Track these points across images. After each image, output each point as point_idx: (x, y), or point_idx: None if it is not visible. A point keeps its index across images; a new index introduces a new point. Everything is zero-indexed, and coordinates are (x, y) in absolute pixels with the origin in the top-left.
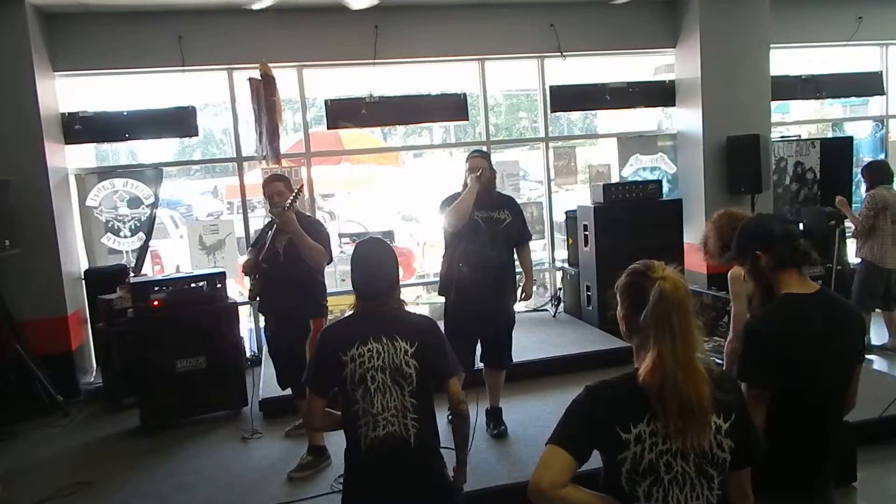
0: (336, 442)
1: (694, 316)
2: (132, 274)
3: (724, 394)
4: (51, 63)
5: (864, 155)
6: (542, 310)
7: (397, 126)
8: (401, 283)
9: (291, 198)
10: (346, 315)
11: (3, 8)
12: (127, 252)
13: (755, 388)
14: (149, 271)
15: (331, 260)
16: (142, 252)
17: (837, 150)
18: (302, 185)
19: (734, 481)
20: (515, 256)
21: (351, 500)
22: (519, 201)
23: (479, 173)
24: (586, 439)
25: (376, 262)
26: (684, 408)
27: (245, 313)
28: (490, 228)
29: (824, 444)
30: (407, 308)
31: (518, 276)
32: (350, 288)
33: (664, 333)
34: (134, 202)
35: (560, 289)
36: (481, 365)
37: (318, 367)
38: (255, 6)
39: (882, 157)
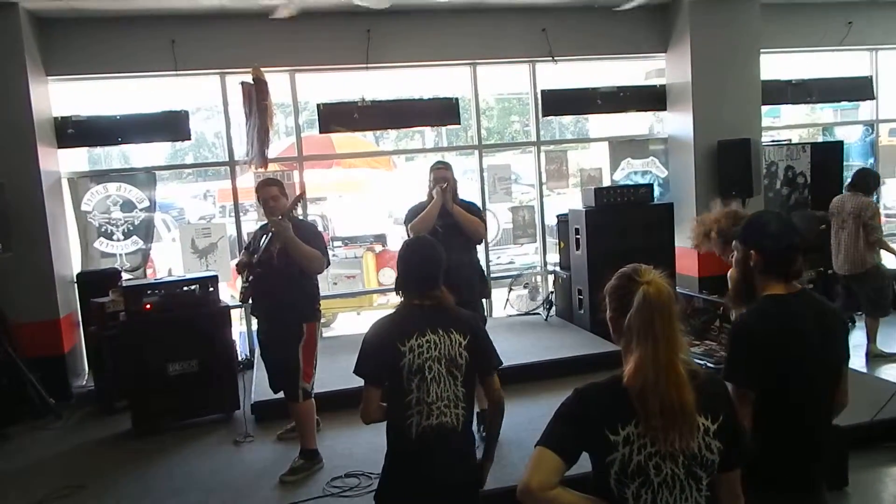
0: (328, 445)
1: (678, 320)
2: (129, 277)
3: (711, 395)
4: (44, 67)
5: (855, 159)
6: (535, 313)
7: (389, 130)
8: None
9: (290, 205)
10: (395, 310)
11: None
12: (120, 255)
13: (741, 389)
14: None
15: (328, 263)
16: (144, 257)
17: (828, 154)
18: (302, 193)
19: (724, 483)
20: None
21: (396, 487)
22: (511, 205)
23: (444, 185)
24: (575, 441)
25: (429, 255)
26: (666, 410)
27: (237, 316)
28: (447, 233)
29: (813, 446)
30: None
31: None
32: (346, 290)
33: (647, 337)
34: (127, 206)
35: (552, 292)
36: None
37: (375, 358)
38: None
39: (871, 161)
